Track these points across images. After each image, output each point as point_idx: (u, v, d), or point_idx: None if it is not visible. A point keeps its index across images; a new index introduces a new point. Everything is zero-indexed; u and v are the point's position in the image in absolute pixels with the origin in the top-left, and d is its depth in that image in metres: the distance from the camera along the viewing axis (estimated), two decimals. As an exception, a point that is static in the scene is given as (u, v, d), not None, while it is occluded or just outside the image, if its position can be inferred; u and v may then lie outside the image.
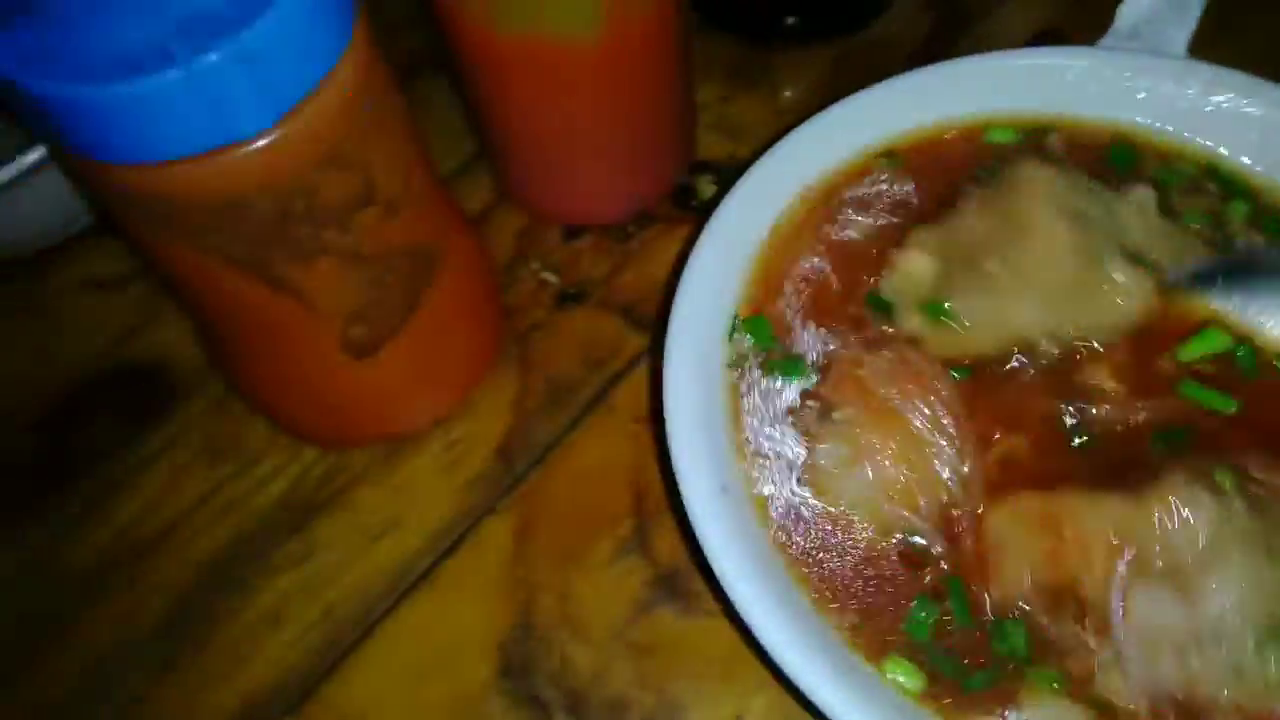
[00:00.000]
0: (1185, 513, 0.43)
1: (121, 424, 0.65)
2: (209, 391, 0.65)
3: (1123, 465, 0.46)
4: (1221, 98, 0.56)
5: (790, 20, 0.78)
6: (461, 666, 0.56)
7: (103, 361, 0.68)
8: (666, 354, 0.50)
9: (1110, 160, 0.58)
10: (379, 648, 0.56)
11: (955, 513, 0.47)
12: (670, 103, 0.66)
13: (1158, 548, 0.43)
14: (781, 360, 0.52)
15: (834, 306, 0.54)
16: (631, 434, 0.62)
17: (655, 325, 0.64)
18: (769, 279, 0.54)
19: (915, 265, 0.52)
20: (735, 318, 0.53)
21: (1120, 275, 0.50)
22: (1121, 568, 0.43)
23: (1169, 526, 0.43)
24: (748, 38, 0.79)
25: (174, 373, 0.66)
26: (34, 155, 0.60)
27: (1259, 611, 0.42)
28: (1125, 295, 0.50)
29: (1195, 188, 0.56)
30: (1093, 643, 0.44)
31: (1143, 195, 0.53)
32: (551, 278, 0.68)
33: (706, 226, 0.54)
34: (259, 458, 0.63)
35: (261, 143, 0.43)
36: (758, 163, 0.56)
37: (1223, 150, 0.57)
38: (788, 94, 0.76)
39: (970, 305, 0.51)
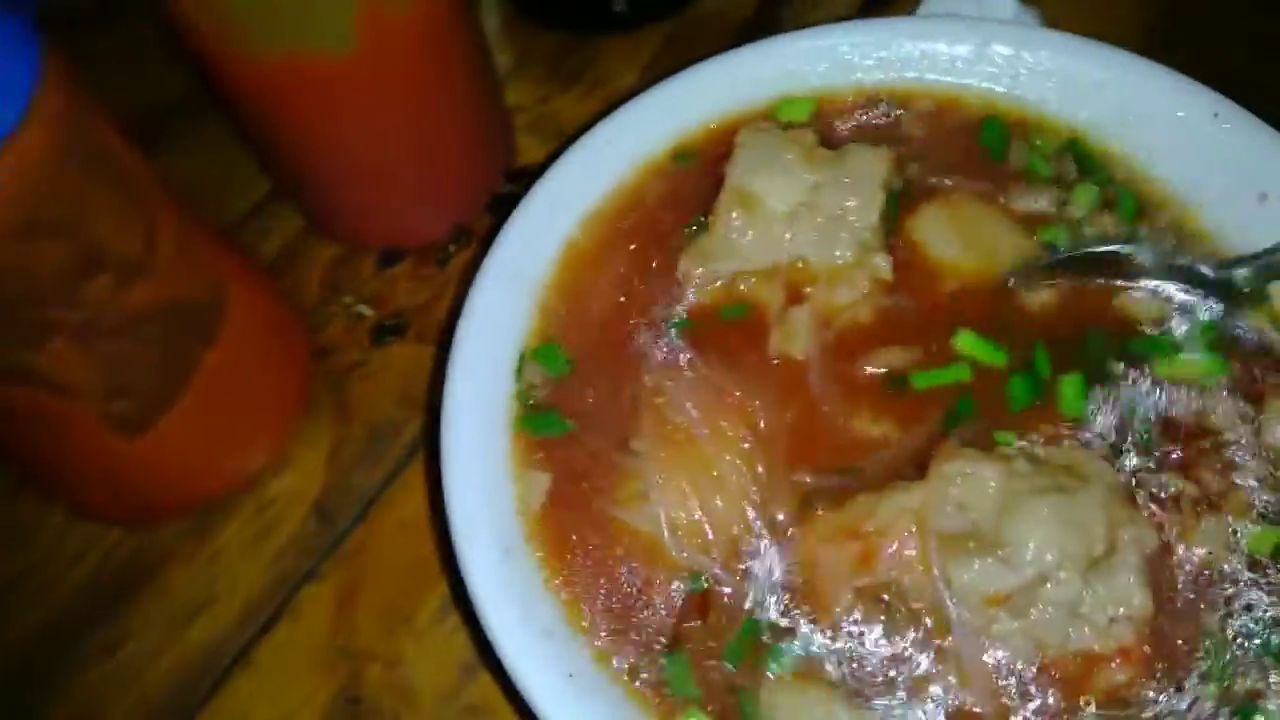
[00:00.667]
0: (971, 478, 0.41)
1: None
2: (1, 477, 0.60)
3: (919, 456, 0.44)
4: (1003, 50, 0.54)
5: (619, 7, 0.74)
6: (286, 752, 0.51)
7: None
8: (445, 415, 0.46)
9: (982, 140, 0.54)
10: (196, 741, 0.52)
11: (750, 544, 0.44)
12: (466, 108, 0.61)
13: (957, 519, 0.41)
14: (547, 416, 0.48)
15: (628, 333, 0.49)
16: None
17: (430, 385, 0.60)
18: (560, 306, 0.50)
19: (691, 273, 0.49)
20: (523, 354, 0.49)
21: (849, 200, 0.49)
22: (931, 550, 0.41)
23: (959, 496, 0.41)
24: (571, 29, 0.74)
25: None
26: None
27: (1075, 549, 0.40)
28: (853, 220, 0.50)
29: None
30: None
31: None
32: (366, 311, 0.63)
33: (484, 262, 0.50)
34: (58, 544, 0.58)
35: (-69, 226, 0.38)
36: (535, 189, 0.52)
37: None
38: (613, 83, 0.71)
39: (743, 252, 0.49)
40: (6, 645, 0.56)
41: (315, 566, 0.56)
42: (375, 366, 0.61)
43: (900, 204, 0.51)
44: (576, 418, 0.47)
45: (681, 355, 0.48)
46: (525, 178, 0.67)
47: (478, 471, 0.44)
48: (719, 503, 0.44)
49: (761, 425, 0.45)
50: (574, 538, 0.44)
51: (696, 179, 0.53)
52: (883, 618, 0.42)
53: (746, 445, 0.44)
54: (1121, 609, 0.40)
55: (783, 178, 0.49)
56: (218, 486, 0.57)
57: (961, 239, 0.50)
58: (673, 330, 0.49)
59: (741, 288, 0.49)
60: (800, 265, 0.49)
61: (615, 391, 0.48)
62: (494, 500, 0.44)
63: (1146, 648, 0.41)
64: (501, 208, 0.66)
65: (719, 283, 0.50)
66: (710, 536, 0.43)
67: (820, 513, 0.43)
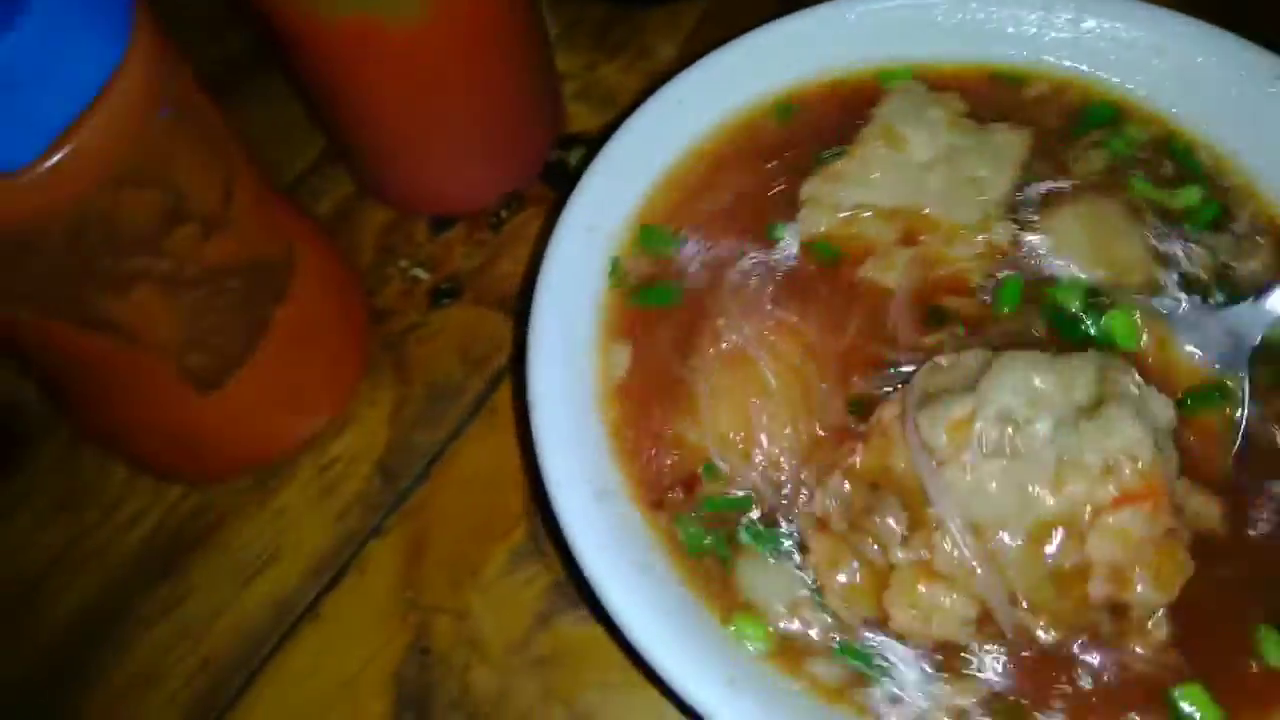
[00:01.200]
0: (954, 360, 0.43)
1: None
2: (61, 435, 0.60)
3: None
4: (1091, 23, 0.54)
5: (659, -25, 0.74)
6: (356, 704, 0.52)
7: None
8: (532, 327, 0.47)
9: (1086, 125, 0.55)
10: (264, 695, 0.52)
11: (790, 463, 0.45)
12: (523, 77, 0.62)
13: (939, 378, 0.42)
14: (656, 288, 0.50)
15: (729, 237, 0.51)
16: (518, 434, 0.58)
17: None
18: (671, 195, 0.53)
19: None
20: (616, 259, 0.50)
21: (983, 170, 0.50)
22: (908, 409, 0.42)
23: (941, 370, 0.43)
24: (614, 1, 0.75)
25: (20, 419, 0.61)
26: None
27: (1052, 394, 0.40)
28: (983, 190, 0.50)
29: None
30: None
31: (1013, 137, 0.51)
32: (422, 274, 0.64)
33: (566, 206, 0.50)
34: (120, 501, 0.58)
35: (33, 172, 0.38)
36: (618, 134, 0.52)
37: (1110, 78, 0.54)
38: (657, 54, 0.72)
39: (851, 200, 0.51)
40: (69, 604, 0.56)
41: (380, 523, 0.56)
42: (434, 328, 0.62)
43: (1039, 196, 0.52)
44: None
45: (756, 278, 0.50)
46: (576, 144, 0.68)
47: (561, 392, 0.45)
48: (765, 420, 0.45)
49: (816, 346, 0.47)
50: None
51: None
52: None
53: (798, 364, 0.46)
54: (1111, 456, 0.39)
55: (926, 132, 0.51)
56: (282, 445, 0.57)
57: (1093, 247, 0.50)
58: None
59: (862, 218, 0.50)
60: (924, 213, 0.50)
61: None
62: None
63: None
64: (553, 174, 0.67)
65: (838, 212, 0.50)
66: (753, 452, 0.45)
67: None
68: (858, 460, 0.43)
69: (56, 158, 0.38)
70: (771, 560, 0.44)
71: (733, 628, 0.42)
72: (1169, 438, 0.41)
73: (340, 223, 0.66)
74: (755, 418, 0.46)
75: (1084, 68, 0.55)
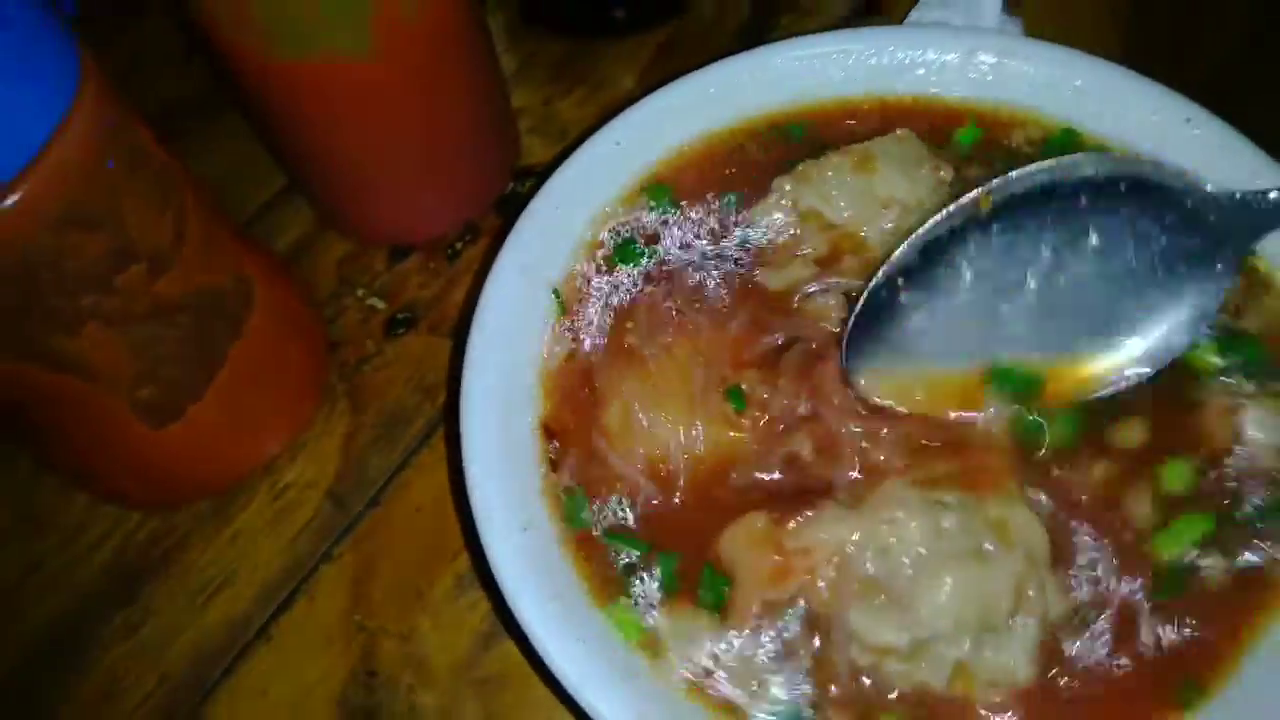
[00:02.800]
0: (902, 528, 0.43)
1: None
2: (21, 463, 0.62)
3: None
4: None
5: (618, 13, 0.77)
6: (305, 724, 0.54)
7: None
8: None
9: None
10: (218, 714, 0.54)
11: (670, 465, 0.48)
12: (477, 111, 0.64)
13: (876, 565, 0.44)
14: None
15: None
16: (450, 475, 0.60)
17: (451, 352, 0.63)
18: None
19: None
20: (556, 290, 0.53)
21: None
22: (839, 580, 0.44)
23: (885, 542, 0.44)
24: (573, 36, 0.77)
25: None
26: None
27: (971, 618, 0.42)
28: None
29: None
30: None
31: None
32: (379, 304, 0.66)
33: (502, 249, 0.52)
34: (81, 528, 0.60)
35: (-18, 216, 0.40)
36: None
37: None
38: (613, 87, 0.74)
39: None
40: (31, 627, 0.57)
41: (331, 548, 0.58)
42: (388, 357, 0.64)
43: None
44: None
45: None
46: (530, 176, 0.70)
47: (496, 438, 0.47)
48: (654, 417, 0.48)
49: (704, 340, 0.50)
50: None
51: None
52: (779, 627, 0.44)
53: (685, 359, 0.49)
54: (1000, 676, 0.43)
55: (904, 179, 0.52)
56: (237, 472, 0.59)
57: None
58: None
59: (807, 219, 0.53)
60: (859, 239, 0.52)
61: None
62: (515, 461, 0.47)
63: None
64: (508, 205, 0.69)
65: (795, 205, 0.54)
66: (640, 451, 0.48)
67: (754, 514, 0.45)
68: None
69: (5, 204, 0.40)
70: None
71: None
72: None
73: (301, 254, 0.68)
74: (636, 416, 0.48)
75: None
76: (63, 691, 0.56)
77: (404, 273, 0.67)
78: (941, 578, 0.43)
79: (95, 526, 0.60)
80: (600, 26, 0.77)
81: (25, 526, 0.60)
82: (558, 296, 0.52)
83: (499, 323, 0.50)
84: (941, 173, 0.54)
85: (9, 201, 0.40)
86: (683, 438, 0.48)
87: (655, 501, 0.47)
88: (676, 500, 0.47)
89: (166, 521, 0.59)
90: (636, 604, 0.45)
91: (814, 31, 0.60)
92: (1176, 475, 0.46)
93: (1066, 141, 0.56)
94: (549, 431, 0.49)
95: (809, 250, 0.53)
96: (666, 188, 0.56)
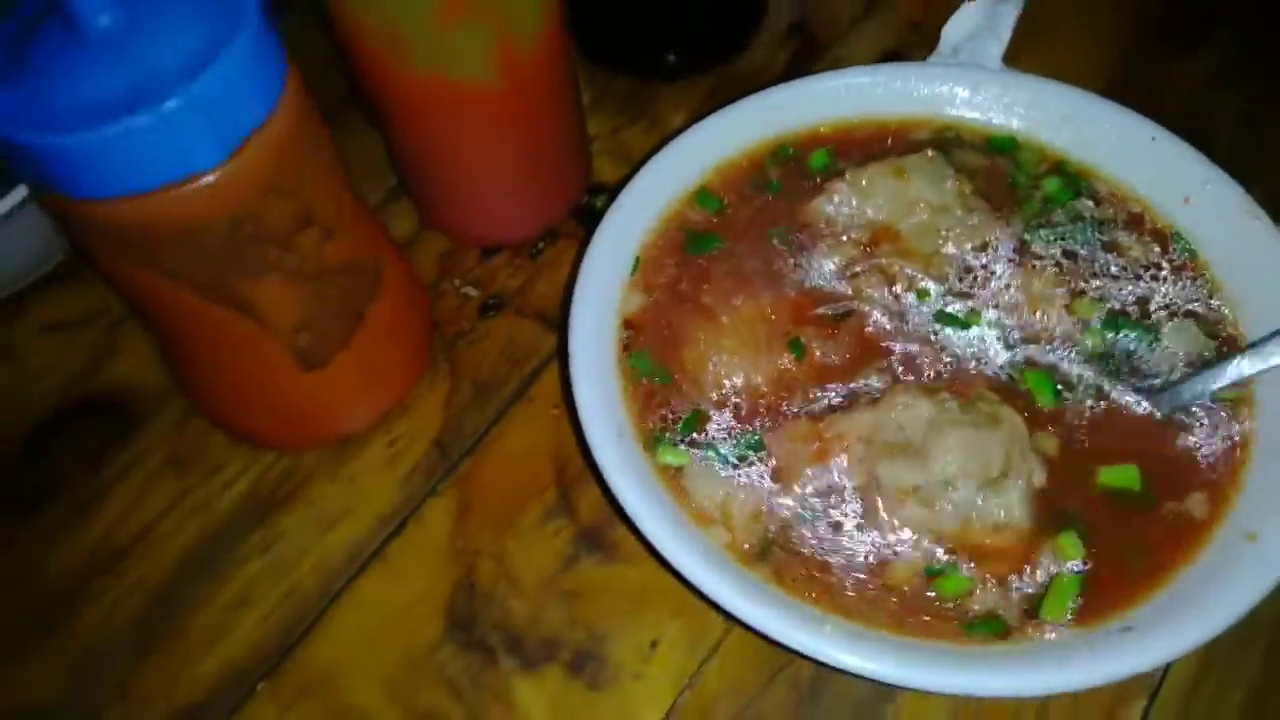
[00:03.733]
0: (912, 407, 0.56)
1: (88, 451, 0.72)
2: (169, 414, 0.73)
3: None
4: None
5: (671, 57, 0.89)
6: (414, 627, 0.64)
7: (67, 396, 0.75)
8: (571, 325, 0.61)
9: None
10: (340, 618, 0.64)
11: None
12: (565, 134, 0.76)
13: (895, 434, 0.56)
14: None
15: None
16: (550, 419, 0.71)
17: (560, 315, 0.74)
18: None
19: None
20: (638, 258, 0.66)
21: (957, 230, 0.66)
22: (867, 450, 0.57)
23: (900, 419, 0.56)
24: (635, 74, 0.90)
25: (133, 403, 0.74)
26: (8, 201, 0.68)
27: (973, 467, 0.54)
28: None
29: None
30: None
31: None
32: (473, 292, 0.77)
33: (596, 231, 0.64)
34: (220, 465, 0.70)
35: (213, 176, 0.52)
36: (635, 177, 0.66)
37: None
38: (669, 124, 0.87)
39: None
40: (178, 546, 0.67)
41: (436, 486, 0.69)
42: (481, 334, 0.75)
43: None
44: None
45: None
46: (600, 192, 0.82)
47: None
48: (725, 359, 0.61)
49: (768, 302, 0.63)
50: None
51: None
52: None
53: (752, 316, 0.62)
54: (1004, 515, 0.54)
55: (931, 187, 0.65)
56: (360, 422, 0.70)
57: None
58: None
59: (853, 214, 0.67)
60: (895, 230, 0.65)
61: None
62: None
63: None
64: (582, 214, 0.81)
65: (843, 202, 0.66)
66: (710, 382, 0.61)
67: (798, 419, 0.59)
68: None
69: (234, 165, 0.52)
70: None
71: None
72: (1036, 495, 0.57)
73: (406, 248, 0.79)
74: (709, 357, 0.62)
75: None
76: (206, 599, 0.65)
77: (493, 267, 0.79)
78: (947, 436, 0.55)
79: (233, 464, 0.70)
80: (655, 68, 0.90)
81: (172, 467, 0.71)
82: (638, 261, 0.65)
83: (595, 280, 0.62)
84: (960, 185, 0.66)
85: (237, 163, 0.52)
86: (747, 376, 0.60)
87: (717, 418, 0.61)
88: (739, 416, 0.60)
89: (296, 461, 0.70)
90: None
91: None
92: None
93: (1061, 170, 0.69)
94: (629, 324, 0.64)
95: (856, 235, 0.65)
96: (714, 196, 0.70)
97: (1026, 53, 0.84)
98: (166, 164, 0.50)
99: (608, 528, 0.66)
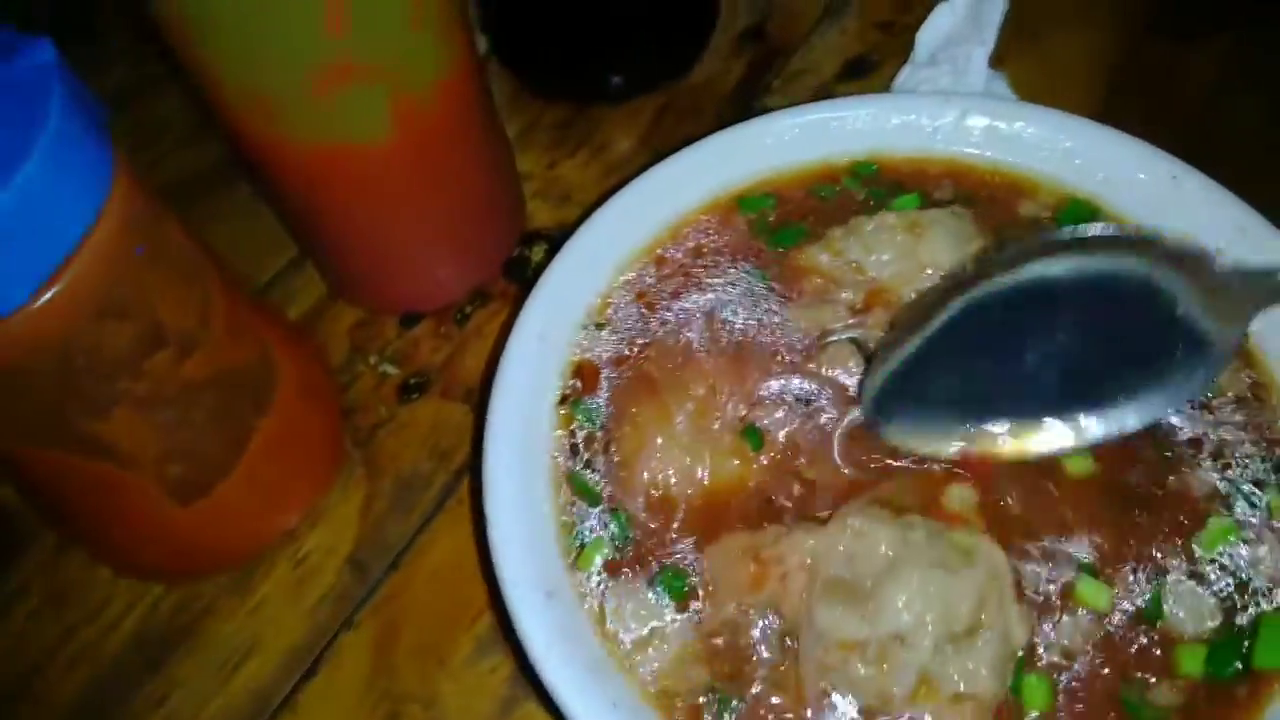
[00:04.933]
0: (867, 537, 0.46)
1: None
2: (46, 540, 0.63)
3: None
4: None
5: (616, 79, 0.79)
6: (332, 794, 0.55)
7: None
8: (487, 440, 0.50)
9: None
10: (246, 784, 0.55)
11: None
12: (485, 183, 0.66)
13: (844, 569, 0.46)
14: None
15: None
16: (475, 535, 0.61)
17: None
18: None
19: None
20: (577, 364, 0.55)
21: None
22: (809, 585, 0.46)
23: (851, 550, 0.46)
24: (572, 100, 0.79)
25: (8, 523, 0.64)
26: None
27: (934, 620, 0.44)
28: None
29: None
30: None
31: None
32: (391, 369, 0.67)
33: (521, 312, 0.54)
34: (106, 600, 0.61)
35: (26, 311, 0.42)
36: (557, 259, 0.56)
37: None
38: (613, 150, 0.76)
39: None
40: (59, 701, 0.58)
41: (352, 615, 0.59)
42: (402, 422, 0.65)
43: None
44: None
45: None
46: (537, 240, 0.72)
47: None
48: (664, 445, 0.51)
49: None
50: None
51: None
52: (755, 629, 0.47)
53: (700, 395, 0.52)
54: (964, 685, 0.44)
55: (951, 250, 0.54)
56: (260, 543, 0.60)
57: None
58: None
59: (848, 268, 0.56)
60: (894, 295, 0.54)
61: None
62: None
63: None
64: (515, 269, 0.71)
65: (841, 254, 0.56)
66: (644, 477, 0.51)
67: (739, 531, 0.49)
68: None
69: (46, 298, 0.42)
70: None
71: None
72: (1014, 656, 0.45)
73: (313, 322, 0.69)
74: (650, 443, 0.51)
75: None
76: (94, 765, 0.56)
77: (415, 339, 0.69)
78: (905, 577, 0.44)
79: (120, 598, 0.61)
80: (599, 93, 0.79)
81: (53, 601, 0.61)
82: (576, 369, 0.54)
83: (518, 389, 0.52)
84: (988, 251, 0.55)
85: (51, 295, 0.42)
86: (689, 468, 0.50)
87: (653, 526, 0.50)
88: (673, 526, 0.50)
89: (190, 592, 0.60)
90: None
91: (801, 98, 0.62)
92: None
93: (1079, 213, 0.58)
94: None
95: (847, 296, 0.55)
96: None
97: (1014, 55, 0.74)
98: (-48, 308, 0.40)
99: (551, 664, 0.56)
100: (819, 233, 0.58)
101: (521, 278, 0.70)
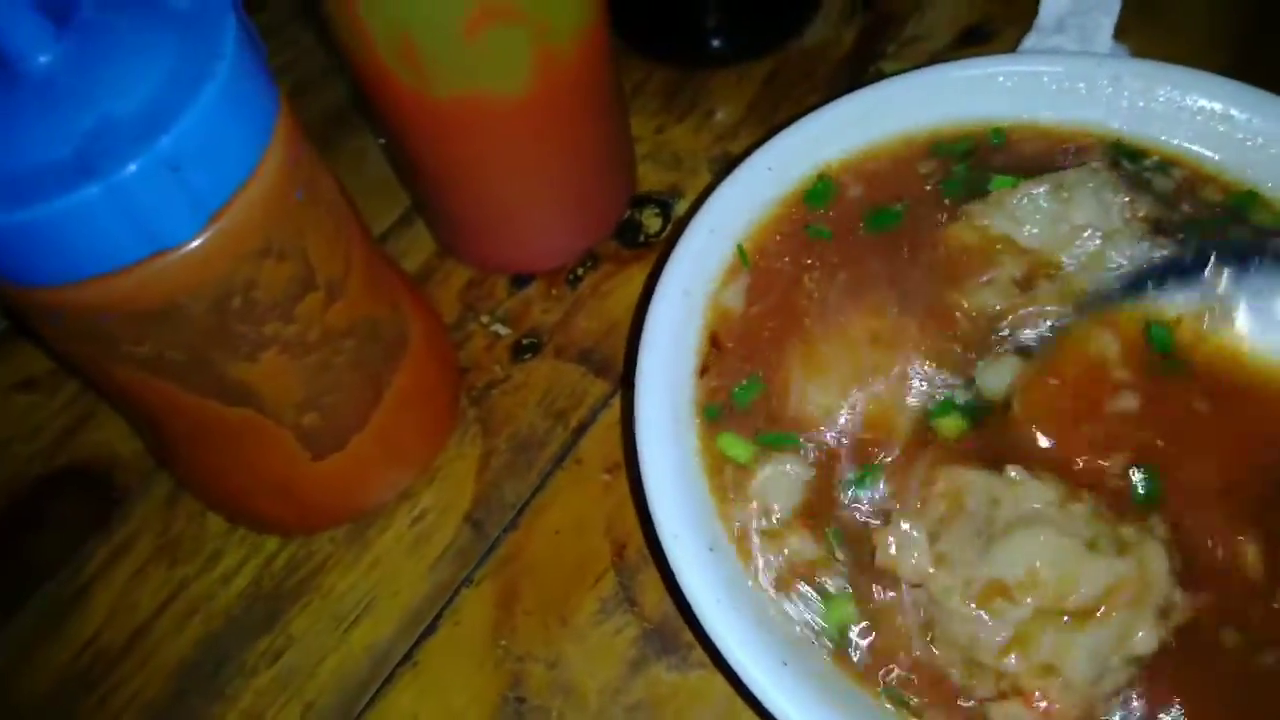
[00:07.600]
0: (1020, 485, 0.44)
1: (70, 532, 0.62)
2: (156, 489, 0.62)
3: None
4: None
5: (716, 43, 0.77)
6: (455, 752, 0.54)
7: (44, 466, 0.65)
8: (638, 402, 0.49)
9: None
10: (367, 743, 0.54)
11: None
12: (607, 142, 0.64)
13: (976, 505, 0.45)
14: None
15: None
16: (604, 485, 0.60)
17: (623, 372, 0.63)
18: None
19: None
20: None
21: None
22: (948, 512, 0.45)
23: (1000, 492, 0.45)
24: (676, 64, 0.78)
25: (118, 472, 0.63)
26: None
27: (1049, 587, 0.42)
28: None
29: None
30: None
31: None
32: (503, 330, 0.66)
33: (665, 269, 0.53)
34: (218, 553, 0.60)
35: (191, 246, 0.41)
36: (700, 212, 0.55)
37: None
38: (721, 116, 0.75)
39: None
40: (174, 656, 0.58)
41: (471, 573, 0.58)
42: (516, 382, 0.64)
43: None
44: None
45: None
46: (648, 204, 0.71)
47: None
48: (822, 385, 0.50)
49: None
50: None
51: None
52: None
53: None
54: (1055, 660, 0.42)
55: (1098, 208, 0.52)
56: (378, 500, 0.60)
57: None
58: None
59: (997, 243, 0.53)
60: (1055, 264, 0.52)
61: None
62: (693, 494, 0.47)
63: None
64: (626, 232, 0.69)
65: (986, 229, 0.53)
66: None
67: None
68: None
69: (212, 233, 0.41)
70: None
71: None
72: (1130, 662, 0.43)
73: (423, 281, 0.68)
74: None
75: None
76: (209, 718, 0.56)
77: (527, 299, 0.67)
78: (1037, 533, 0.43)
79: (233, 552, 0.60)
80: (701, 57, 0.78)
81: (164, 554, 0.60)
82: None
83: (664, 344, 0.51)
84: (1134, 204, 0.53)
85: (217, 229, 0.41)
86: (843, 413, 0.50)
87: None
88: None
89: (304, 547, 0.60)
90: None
91: (920, 61, 0.60)
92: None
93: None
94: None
95: (1003, 272, 0.52)
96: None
97: (1134, 27, 0.72)
98: (127, 242, 0.39)
99: (679, 625, 0.55)
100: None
101: (633, 241, 0.69)
